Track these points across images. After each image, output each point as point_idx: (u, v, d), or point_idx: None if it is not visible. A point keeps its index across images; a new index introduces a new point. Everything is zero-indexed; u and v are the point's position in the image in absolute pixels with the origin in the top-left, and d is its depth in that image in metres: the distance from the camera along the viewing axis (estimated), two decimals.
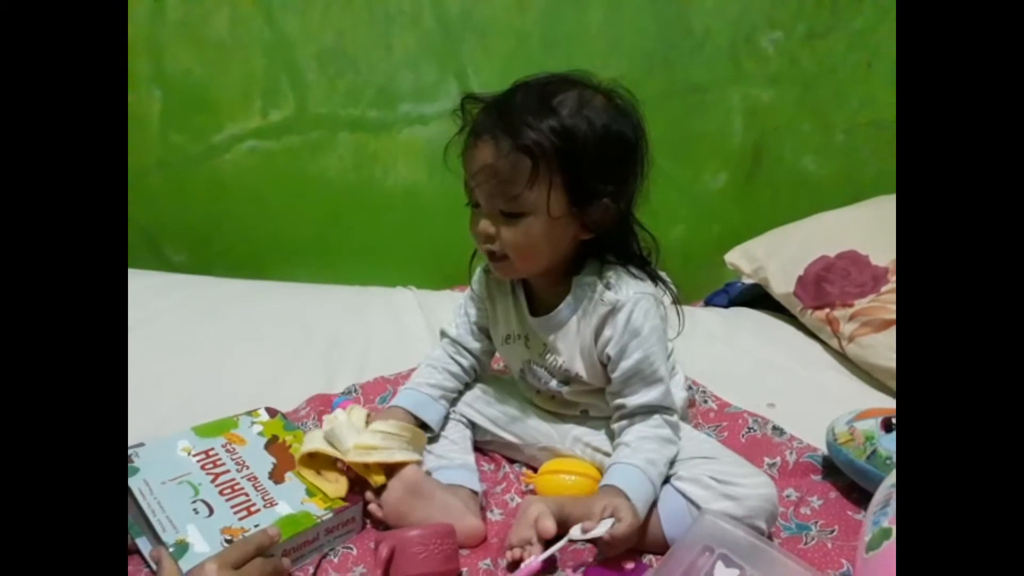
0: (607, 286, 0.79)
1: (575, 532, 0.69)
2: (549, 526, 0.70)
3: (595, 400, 0.87)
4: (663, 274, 0.84)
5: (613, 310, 0.78)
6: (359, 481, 0.79)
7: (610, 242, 0.80)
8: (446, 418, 0.92)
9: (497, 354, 0.98)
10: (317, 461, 0.80)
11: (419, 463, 0.80)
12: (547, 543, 0.71)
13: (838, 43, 1.60)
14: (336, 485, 0.78)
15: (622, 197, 0.76)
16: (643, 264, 0.82)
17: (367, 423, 0.82)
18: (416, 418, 0.88)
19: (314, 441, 0.79)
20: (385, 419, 0.84)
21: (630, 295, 0.78)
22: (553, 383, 0.88)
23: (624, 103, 0.76)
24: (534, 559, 0.69)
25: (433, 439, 0.90)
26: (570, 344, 0.83)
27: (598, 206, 0.75)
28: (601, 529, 0.68)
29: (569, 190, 0.73)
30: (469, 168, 0.75)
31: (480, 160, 0.73)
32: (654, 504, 0.76)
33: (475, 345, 0.95)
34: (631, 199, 0.78)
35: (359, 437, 0.78)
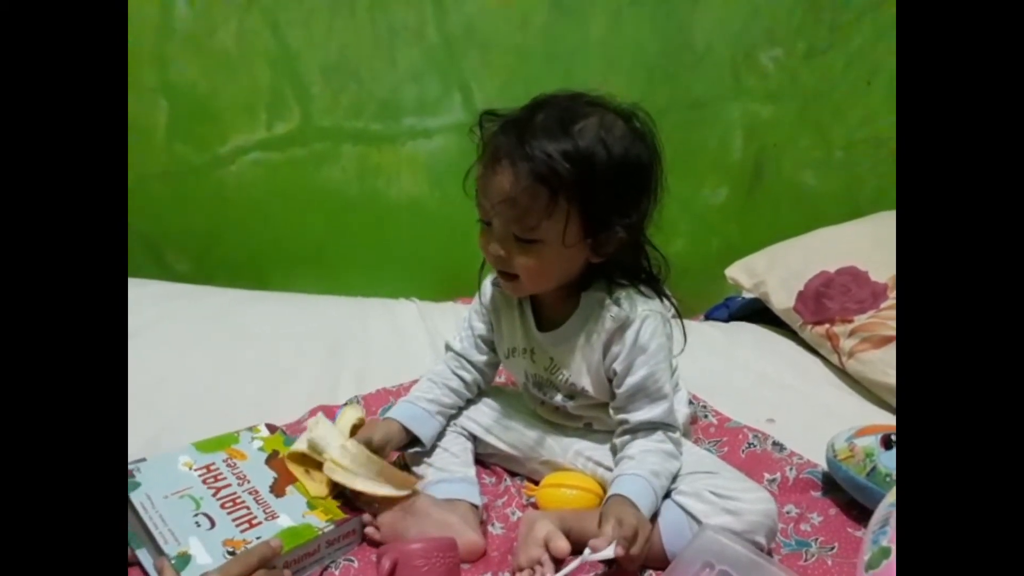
0: (616, 302, 0.79)
1: (588, 554, 0.68)
2: (563, 546, 0.70)
3: (599, 414, 0.87)
4: (667, 292, 0.84)
5: (622, 327, 0.79)
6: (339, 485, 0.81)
7: (620, 261, 0.80)
8: (441, 434, 0.92)
9: (502, 367, 0.98)
10: (306, 460, 0.82)
11: (390, 498, 0.78)
12: (556, 560, 0.71)
13: (837, 60, 1.62)
14: (319, 485, 0.80)
15: (635, 225, 0.75)
16: (651, 282, 0.83)
17: (359, 423, 0.84)
18: (408, 431, 0.88)
19: (300, 443, 0.82)
20: (375, 433, 0.85)
21: (639, 312, 0.79)
22: (558, 397, 0.88)
23: (642, 126, 0.75)
24: None
25: (430, 452, 0.90)
26: (577, 359, 0.83)
27: (612, 236, 0.74)
28: (610, 551, 0.67)
29: (585, 222, 0.72)
30: (486, 191, 0.74)
31: (498, 186, 0.71)
32: (655, 518, 0.76)
33: (479, 358, 0.95)
34: (644, 221, 0.77)
35: (335, 451, 0.79)
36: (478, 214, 0.77)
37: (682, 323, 0.85)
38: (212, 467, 0.80)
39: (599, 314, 0.80)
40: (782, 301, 1.41)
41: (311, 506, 0.77)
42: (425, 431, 0.89)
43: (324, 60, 1.54)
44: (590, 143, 0.70)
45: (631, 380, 0.79)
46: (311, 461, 0.82)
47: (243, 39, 1.50)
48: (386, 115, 1.59)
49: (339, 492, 0.81)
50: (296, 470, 0.81)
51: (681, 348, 0.86)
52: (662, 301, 0.82)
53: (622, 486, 0.74)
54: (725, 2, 1.56)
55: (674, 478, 0.79)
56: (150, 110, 1.54)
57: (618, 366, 0.80)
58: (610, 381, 0.82)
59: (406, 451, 0.90)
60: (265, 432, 0.89)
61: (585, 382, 0.83)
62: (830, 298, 1.33)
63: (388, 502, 0.78)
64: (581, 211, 0.72)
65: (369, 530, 0.78)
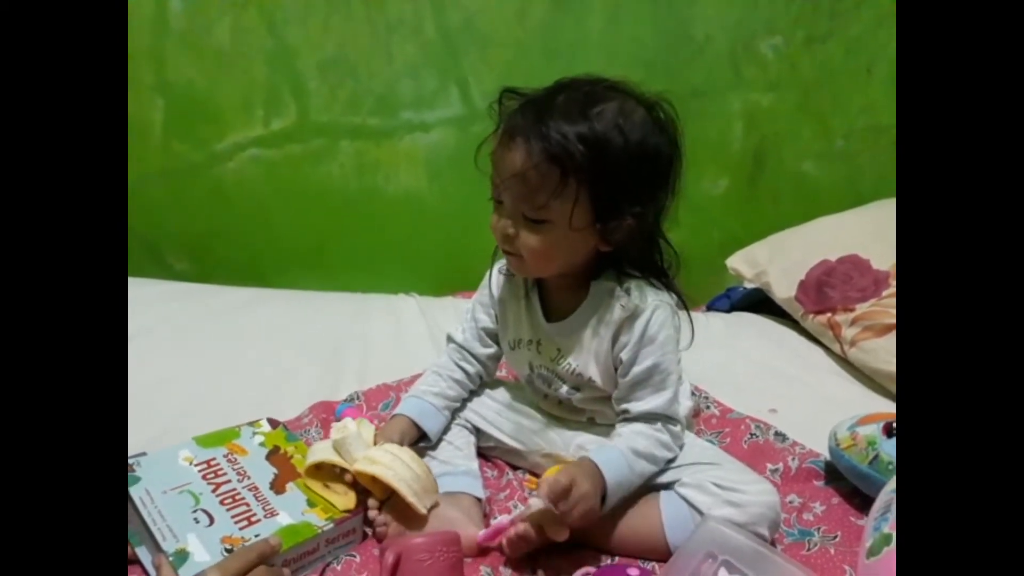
0: (626, 292, 0.79)
1: (534, 502, 0.70)
2: (563, 534, 0.71)
3: (603, 407, 0.87)
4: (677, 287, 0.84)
5: (631, 316, 0.78)
6: (366, 494, 0.79)
7: (632, 252, 0.80)
8: (446, 427, 0.91)
9: (504, 359, 0.98)
10: (323, 473, 0.79)
11: (416, 510, 0.76)
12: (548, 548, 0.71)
13: (837, 49, 1.61)
14: (344, 497, 0.77)
15: (647, 215, 0.75)
16: (661, 276, 0.82)
17: (375, 439, 0.82)
18: (418, 426, 0.88)
19: (321, 451, 0.79)
20: (390, 430, 0.84)
21: (649, 302, 0.78)
22: (563, 389, 0.87)
23: (665, 117, 0.75)
24: (503, 518, 0.71)
25: (435, 445, 0.90)
26: (585, 349, 0.82)
27: (621, 224, 0.74)
28: (540, 502, 0.69)
29: (594, 206, 0.72)
30: (499, 167, 0.74)
31: (511, 162, 0.72)
32: (657, 509, 0.76)
33: (482, 351, 0.95)
34: (659, 215, 0.77)
35: (368, 451, 0.77)
36: (491, 192, 0.77)
37: (690, 318, 0.85)
38: (212, 462, 0.80)
39: (609, 303, 0.80)
40: (784, 291, 1.40)
41: (311, 504, 0.77)
42: (432, 426, 0.89)
43: (321, 56, 1.53)
44: (606, 127, 0.70)
45: (637, 369, 0.79)
46: (328, 474, 0.79)
47: (239, 36, 1.50)
48: (383, 110, 1.58)
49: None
50: (315, 486, 0.78)
51: (688, 343, 0.85)
52: (671, 294, 0.82)
53: (596, 453, 0.75)
54: None
55: (675, 469, 0.79)
56: (147, 108, 1.53)
57: (625, 355, 0.79)
58: (616, 370, 0.82)
59: (413, 446, 0.89)
60: (267, 427, 0.89)
61: (593, 372, 0.83)
62: (832, 287, 1.32)
63: (405, 513, 0.77)
64: (591, 195, 0.71)
65: (380, 529, 0.77)
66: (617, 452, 0.75)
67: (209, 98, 1.54)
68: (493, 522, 0.72)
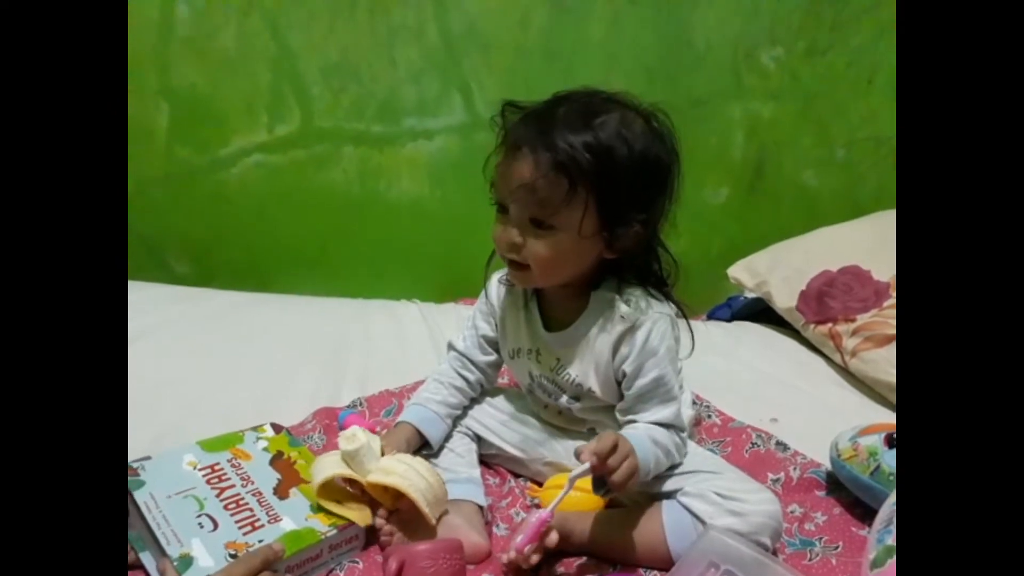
0: (627, 302, 0.79)
1: (577, 469, 0.69)
2: (554, 538, 0.71)
3: (603, 418, 0.87)
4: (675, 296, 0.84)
5: (632, 328, 0.79)
6: (374, 504, 0.79)
7: (631, 261, 0.80)
8: (447, 435, 0.92)
9: (505, 367, 0.98)
10: (332, 490, 0.79)
11: (428, 519, 0.76)
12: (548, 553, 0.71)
13: (838, 59, 1.61)
14: (361, 513, 0.77)
15: (651, 222, 0.76)
16: (661, 285, 0.83)
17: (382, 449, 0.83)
18: (421, 434, 0.88)
19: (330, 466, 0.78)
20: (395, 437, 0.85)
21: (649, 314, 0.79)
22: (563, 399, 0.88)
23: (662, 126, 0.76)
24: (544, 511, 0.70)
25: (437, 453, 0.90)
26: (585, 359, 0.83)
27: (628, 231, 0.75)
28: (587, 465, 0.68)
29: (602, 213, 0.73)
30: (504, 178, 0.75)
31: (518, 173, 0.73)
32: (659, 518, 0.76)
33: (482, 359, 0.95)
34: (658, 222, 0.78)
35: (380, 461, 0.77)
36: (494, 198, 0.77)
37: (690, 327, 0.85)
38: (216, 467, 0.80)
39: (609, 314, 0.80)
40: (784, 300, 1.40)
41: (314, 510, 0.77)
42: (435, 434, 0.89)
43: (324, 61, 1.53)
44: (610, 136, 0.71)
45: (641, 382, 0.79)
46: (336, 491, 0.79)
47: (243, 41, 1.50)
48: (387, 116, 1.59)
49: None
50: (329, 505, 0.77)
51: (689, 352, 0.86)
52: (670, 304, 0.82)
53: (622, 432, 0.74)
54: (726, 1, 1.55)
55: (677, 477, 0.79)
56: (151, 113, 1.53)
57: (628, 368, 0.80)
58: (618, 383, 0.82)
59: (416, 454, 0.89)
60: (270, 432, 0.89)
61: (592, 383, 0.83)
62: (832, 297, 1.32)
63: (412, 523, 0.77)
64: (599, 203, 0.72)
65: (385, 539, 0.77)
66: (639, 436, 0.75)
67: (213, 103, 1.54)
68: (535, 518, 0.70)
